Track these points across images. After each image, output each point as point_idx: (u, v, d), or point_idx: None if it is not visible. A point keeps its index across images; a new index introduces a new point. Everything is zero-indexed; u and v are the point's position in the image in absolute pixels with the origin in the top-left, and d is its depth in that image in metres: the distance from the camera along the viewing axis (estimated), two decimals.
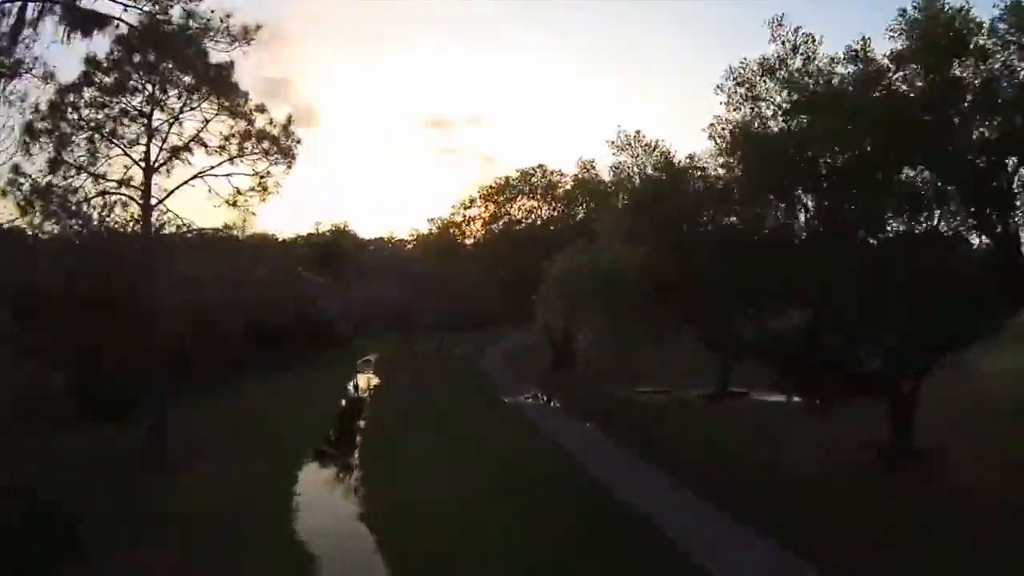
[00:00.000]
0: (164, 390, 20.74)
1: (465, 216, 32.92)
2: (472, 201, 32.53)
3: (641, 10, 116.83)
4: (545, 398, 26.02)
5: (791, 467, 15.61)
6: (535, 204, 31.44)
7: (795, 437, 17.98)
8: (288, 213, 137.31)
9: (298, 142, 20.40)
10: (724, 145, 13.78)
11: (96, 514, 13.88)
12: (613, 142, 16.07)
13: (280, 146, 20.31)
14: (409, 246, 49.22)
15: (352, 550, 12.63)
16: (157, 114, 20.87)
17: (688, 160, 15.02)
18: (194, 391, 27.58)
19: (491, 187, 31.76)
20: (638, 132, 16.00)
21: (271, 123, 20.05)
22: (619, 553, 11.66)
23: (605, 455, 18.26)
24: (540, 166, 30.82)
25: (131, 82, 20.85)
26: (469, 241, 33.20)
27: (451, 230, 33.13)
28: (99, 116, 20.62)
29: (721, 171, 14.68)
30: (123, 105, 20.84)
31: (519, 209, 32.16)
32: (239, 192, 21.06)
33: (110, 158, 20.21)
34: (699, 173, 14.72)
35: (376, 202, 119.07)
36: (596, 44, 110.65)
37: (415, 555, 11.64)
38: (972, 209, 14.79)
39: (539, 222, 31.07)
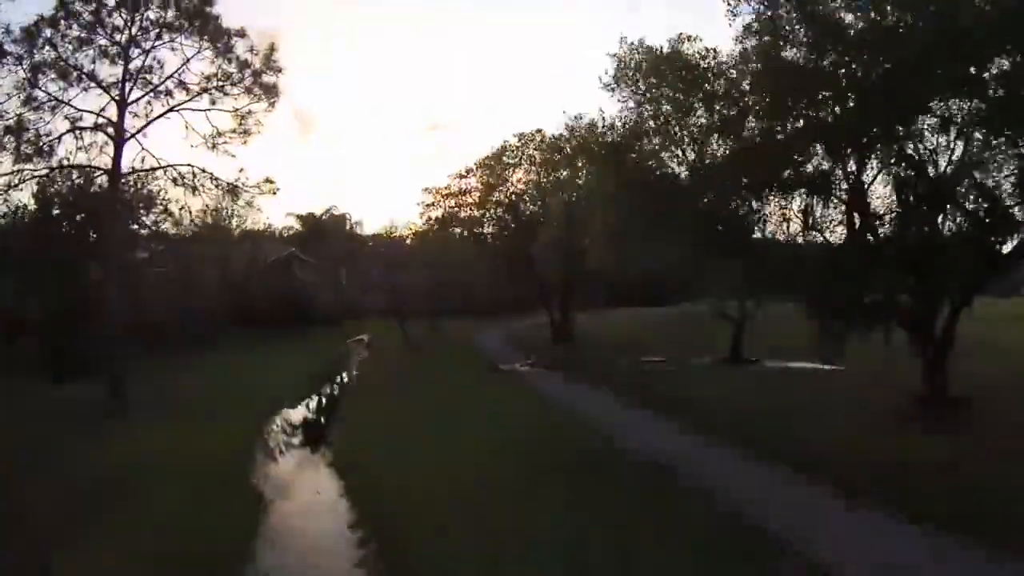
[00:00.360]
0: (124, 345, 19.50)
1: (460, 188, 31.62)
2: (468, 171, 31.36)
3: None
4: (544, 366, 24.43)
5: (817, 417, 14.12)
6: (535, 175, 30.19)
7: (817, 394, 16.63)
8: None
9: (279, 71, 19.18)
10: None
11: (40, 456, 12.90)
12: (615, 54, 14.72)
13: (261, 81, 19.16)
14: (408, 241, 47.84)
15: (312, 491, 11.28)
16: (135, 53, 19.92)
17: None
18: (170, 358, 27.19)
19: (488, 157, 30.52)
20: (642, 40, 14.61)
21: (252, 51, 18.84)
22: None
23: (607, 408, 16.69)
24: (539, 130, 29.64)
25: (110, 19, 19.92)
26: (464, 214, 31.75)
27: (449, 200, 31.73)
28: (77, 55, 19.63)
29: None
30: (102, 45, 19.88)
31: (518, 182, 30.95)
32: (219, 133, 19.92)
33: (86, 91, 19.13)
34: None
35: (377, 202, 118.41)
36: (596, 36, 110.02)
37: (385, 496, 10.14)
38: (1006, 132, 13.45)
39: (536, 191, 29.83)
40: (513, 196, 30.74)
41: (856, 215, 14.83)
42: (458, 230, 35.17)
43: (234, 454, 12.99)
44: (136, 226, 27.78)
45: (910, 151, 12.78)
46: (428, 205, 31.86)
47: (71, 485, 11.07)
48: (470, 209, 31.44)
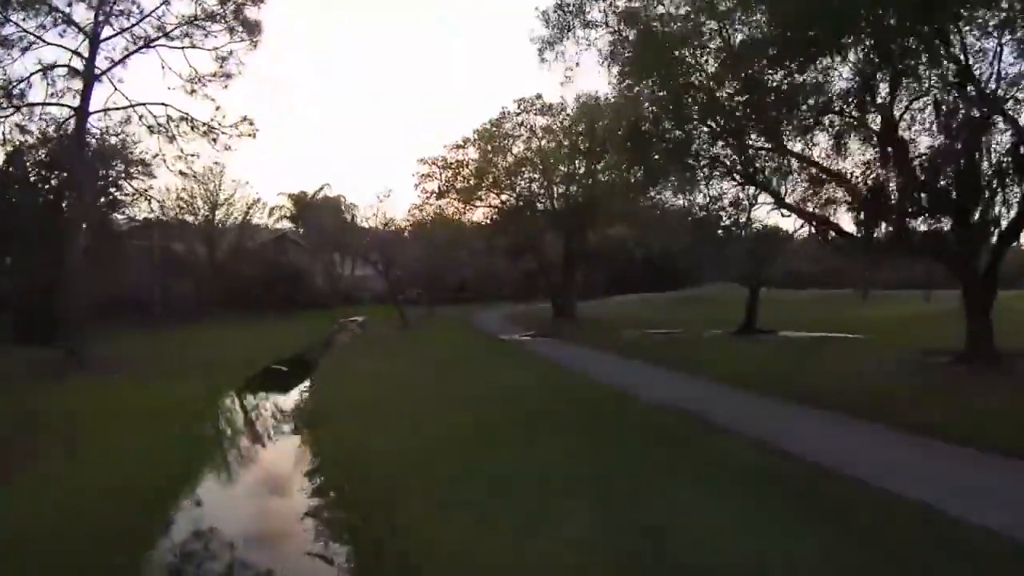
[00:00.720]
0: (90, 311, 18.21)
1: (457, 160, 30.19)
2: (466, 141, 29.98)
3: None
4: (545, 336, 22.98)
5: (861, 373, 12.71)
6: (536, 143, 28.91)
7: (850, 356, 15.16)
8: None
9: (262, 2, 17.91)
10: None
11: None
12: None
13: (244, 17, 17.87)
14: (405, 230, 46.43)
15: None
16: None
17: None
18: (148, 330, 26.17)
19: (486, 124, 29.16)
20: None
21: None
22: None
23: (612, 365, 15.29)
24: (538, 96, 28.37)
25: None
26: (460, 185, 30.31)
27: (445, 172, 30.31)
28: None
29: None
30: None
31: (518, 153, 29.59)
32: (198, 77, 18.63)
33: (61, 35, 17.83)
34: None
35: (374, 187, 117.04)
36: None
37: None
38: None
39: (538, 159, 28.50)
40: (513, 165, 29.39)
41: (889, 149, 13.56)
42: (453, 211, 33.98)
43: (186, 403, 11.52)
44: (115, 189, 26.47)
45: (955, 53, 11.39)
46: (424, 176, 30.44)
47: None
48: (467, 181, 30.03)
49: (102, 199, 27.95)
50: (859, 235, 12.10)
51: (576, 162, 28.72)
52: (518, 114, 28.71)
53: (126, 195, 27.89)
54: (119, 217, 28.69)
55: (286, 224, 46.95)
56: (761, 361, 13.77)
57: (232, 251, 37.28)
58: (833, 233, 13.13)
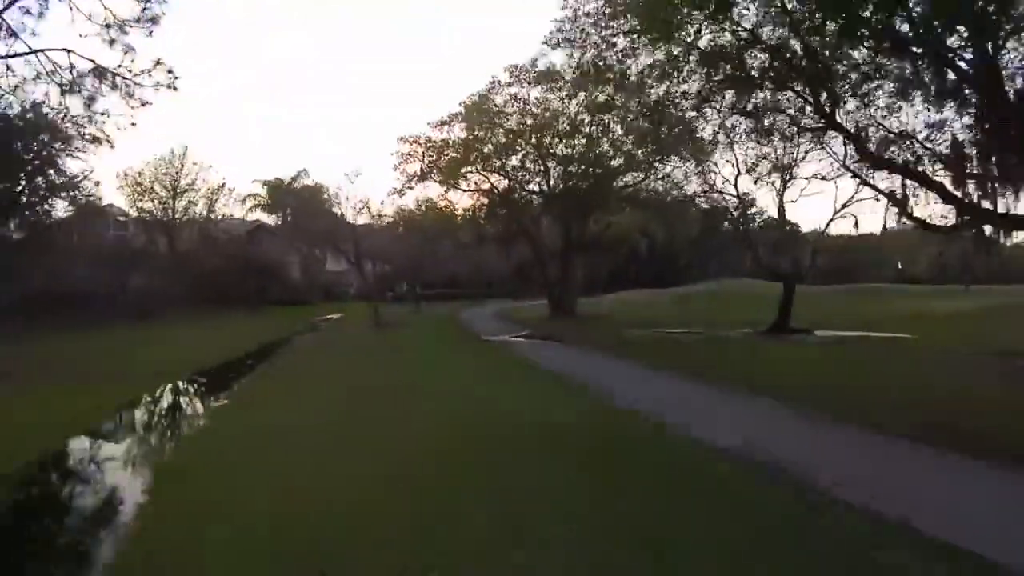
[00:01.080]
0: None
1: (442, 140, 26.75)
2: (452, 118, 26.37)
3: None
4: (543, 339, 19.61)
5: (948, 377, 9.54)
6: (530, 120, 25.52)
7: (928, 364, 11.83)
8: None
9: None
10: None
11: None
12: None
13: None
14: (400, 228, 43.07)
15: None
16: None
17: None
18: (93, 330, 23.53)
19: (473, 99, 25.62)
20: None
21: None
22: None
23: (630, 375, 11.94)
24: (534, 62, 24.82)
25: None
26: (443, 164, 26.84)
27: (429, 152, 26.86)
28: None
29: None
30: None
31: (509, 128, 26.18)
32: (117, 23, 15.25)
33: None
34: None
35: (360, 180, 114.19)
36: None
37: None
38: None
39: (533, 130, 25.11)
40: (507, 139, 26.03)
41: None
42: (444, 205, 30.90)
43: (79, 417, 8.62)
44: (50, 168, 23.22)
45: None
46: (406, 155, 26.97)
47: None
48: (453, 158, 26.59)
49: (38, 179, 24.74)
50: (967, 200, 8.80)
51: (576, 139, 25.42)
52: (510, 84, 25.33)
53: (64, 177, 24.73)
54: (59, 202, 25.47)
55: (262, 215, 43.48)
56: (834, 374, 10.48)
57: (197, 242, 33.96)
58: (937, 198, 9.73)
